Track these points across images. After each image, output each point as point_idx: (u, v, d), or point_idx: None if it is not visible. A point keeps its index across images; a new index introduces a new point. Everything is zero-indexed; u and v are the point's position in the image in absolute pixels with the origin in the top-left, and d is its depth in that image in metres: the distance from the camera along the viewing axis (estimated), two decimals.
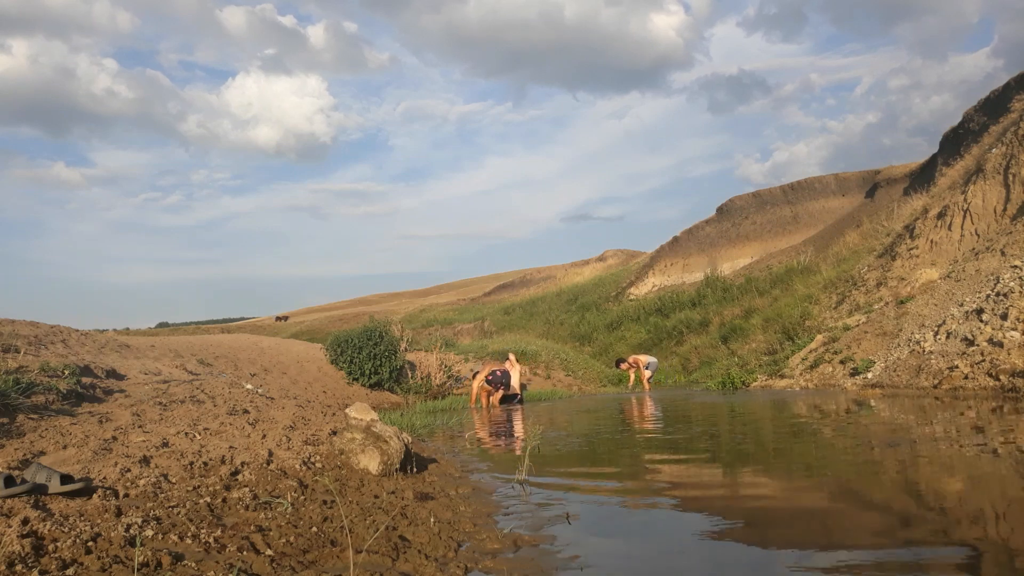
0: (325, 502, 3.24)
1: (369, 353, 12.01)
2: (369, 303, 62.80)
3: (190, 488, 3.13)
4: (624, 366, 15.60)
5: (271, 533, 2.73)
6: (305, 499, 3.26)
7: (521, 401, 11.57)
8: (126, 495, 2.93)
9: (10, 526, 2.31)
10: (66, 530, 2.35)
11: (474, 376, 12.04)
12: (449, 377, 13.06)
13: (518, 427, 8.32)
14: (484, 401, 11.19)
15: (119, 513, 2.64)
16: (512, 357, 12.07)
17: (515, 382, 11.56)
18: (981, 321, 8.92)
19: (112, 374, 6.93)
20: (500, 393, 11.13)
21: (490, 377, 11.23)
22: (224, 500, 3.06)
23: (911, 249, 14.36)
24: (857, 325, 11.95)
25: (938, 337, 9.37)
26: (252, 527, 2.75)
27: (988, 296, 9.32)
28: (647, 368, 15.12)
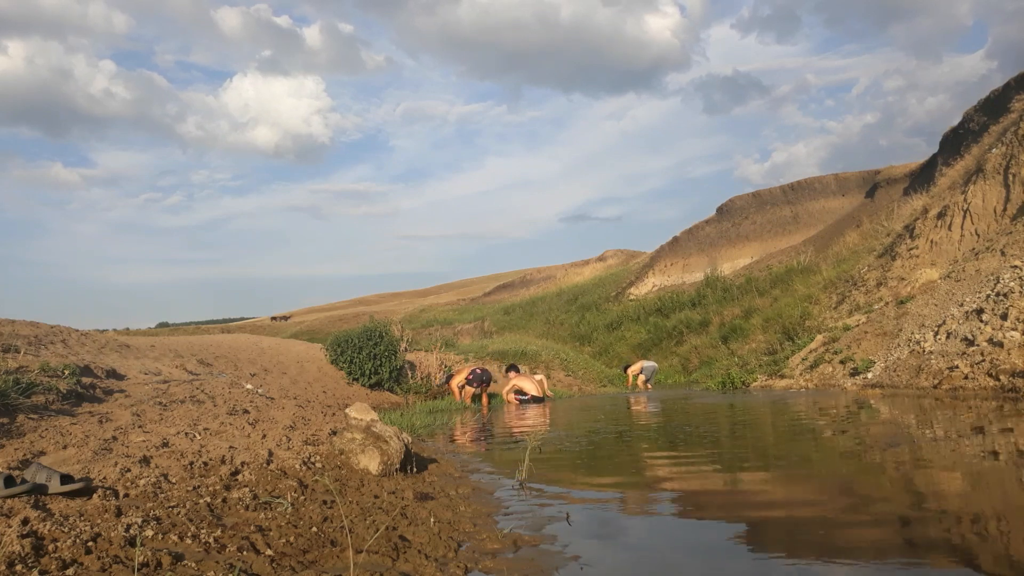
0: (325, 502, 3.24)
1: (369, 353, 11.99)
2: (369, 303, 62.79)
3: (190, 488, 3.13)
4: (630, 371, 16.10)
5: (271, 533, 2.73)
6: (305, 499, 3.26)
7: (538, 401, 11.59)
8: (126, 495, 2.93)
9: (10, 526, 2.31)
10: (66, 530, 2.35)
11: (447, 380, 11.99)
12: (449, 377, 13.07)
13: (518, 427, 8.31)
14: (468, 398, 11.21)
15: (119, 513, 2.63)
16: (524, 369, 12.16)
17: (535, 391, 11.62)
18: (981, 321, 8.92)
19: (112, 374, 6.93)
20: (485, 391, 11.14)
21: (470, 376, 11.21)
22: (224, 500, 3.05)
23: (911, 249, 14.36)
24: (857, 325, 11.94)
25: (938, 337, 9.37)
26: (252, 527, 2.75)
27: (988, 296, 9.31)
28: (642, 373, 15.55)
